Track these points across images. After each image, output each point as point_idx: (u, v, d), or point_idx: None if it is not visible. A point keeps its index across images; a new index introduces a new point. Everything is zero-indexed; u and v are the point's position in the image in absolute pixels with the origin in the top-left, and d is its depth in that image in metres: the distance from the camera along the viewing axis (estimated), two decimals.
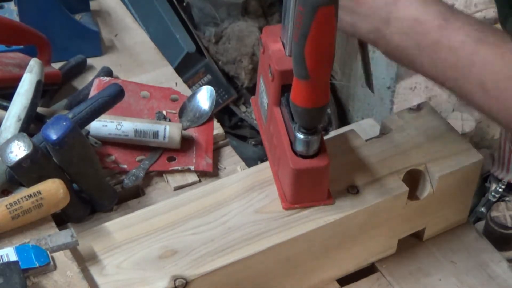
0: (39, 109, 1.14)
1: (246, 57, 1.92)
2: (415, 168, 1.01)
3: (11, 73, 1.19)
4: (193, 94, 1.22)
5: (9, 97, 1.12)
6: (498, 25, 0.90)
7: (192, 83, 1.86)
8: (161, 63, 1.37)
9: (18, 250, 0.85)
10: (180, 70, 1.73)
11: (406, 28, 0.85)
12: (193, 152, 1.16)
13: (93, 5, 1.43)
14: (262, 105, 1.04)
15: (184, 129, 1.18)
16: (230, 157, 1.19)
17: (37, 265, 0.84)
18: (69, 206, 0.93)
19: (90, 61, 1.35)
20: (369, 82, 1.05)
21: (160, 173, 1.15)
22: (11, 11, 1.36)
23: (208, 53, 1.93)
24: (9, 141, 0.95)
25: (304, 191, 0.94)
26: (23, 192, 0.90)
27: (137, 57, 1.38)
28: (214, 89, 1.23)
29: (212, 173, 1.15)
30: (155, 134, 1.13)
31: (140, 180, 1.11)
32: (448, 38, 0.81)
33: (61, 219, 1.02)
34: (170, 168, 1.14)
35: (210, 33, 1.95)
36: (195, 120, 1.20)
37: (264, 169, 1.00)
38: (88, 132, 1.11)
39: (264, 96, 1.01)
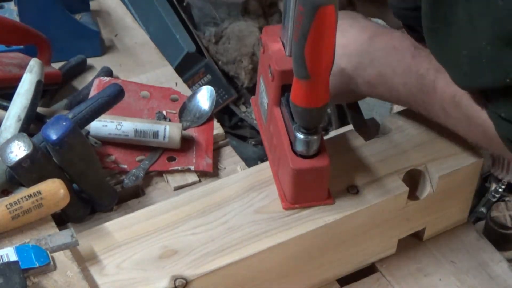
0: (39, 109, 1.14)
1: (246, 57, 1.92)
2: (415, 168, 1.01)
3: (11, 73, 1.19)
4: (193, 94, 1.22)
5: (9, 97, 1.12)
6: None
7: (192, 83, 1.86)
8: (161, 63, 1.37)
9: (18, 250, 0.85)
10: (180, 70, 1.73)
11: (385, 53, 0.94)
12: (193, 152, 1.16)
13: (93, 5, 1.44)
14: (262, 105, 1.04)
15: (184, 129, 1.18)
16: (230, 157, 1.19)
17: (37, 265, 0.84)
18: (69, 206, 0.93)
19: (90, 61, 1.35)
20: (365, 131, 1.05)
21: (160, 173, 1.15)
22: (11, 11, 1.36)
23: (208, 53, 1.93)
24: (9, 141, 0.95)
25: (304, 191, 0.94)
26: (23, 192, 0.89)
27: (137, 57, 1.38)
28: (214, 89, 1.23)
29: (212, 173, 1.15)
30: (155, 134, 1.13)
31: (140, 180, 1.11)
32: (417, 65, 0.91)
33: (61, 219, 1.02)
34: (170, 168, 1.14)
35: (210, 33, 1.95)
36: (195, 120, 1.20)
37: (264, 169, 1.00)
38: (88, 132, 1.11)
39: (264, 96, 1.01)
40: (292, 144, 0.92)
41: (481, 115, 0.83)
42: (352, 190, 0.97)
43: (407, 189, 0.98)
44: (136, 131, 1.13)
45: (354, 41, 0.97)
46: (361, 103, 1.10)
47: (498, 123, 0.80)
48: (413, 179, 1.02)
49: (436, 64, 0.87)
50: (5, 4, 1.38)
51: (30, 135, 0.99)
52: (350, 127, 1.09)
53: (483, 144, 0.91)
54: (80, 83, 1.31)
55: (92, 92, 1.21)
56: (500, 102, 0.79)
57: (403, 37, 0.95)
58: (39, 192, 0.89)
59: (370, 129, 1.05)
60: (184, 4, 2.00)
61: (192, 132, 1.19)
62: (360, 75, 0.96)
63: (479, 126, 0.85)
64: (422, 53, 0.91)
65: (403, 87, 0.93)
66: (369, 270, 1.05)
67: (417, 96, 0.93)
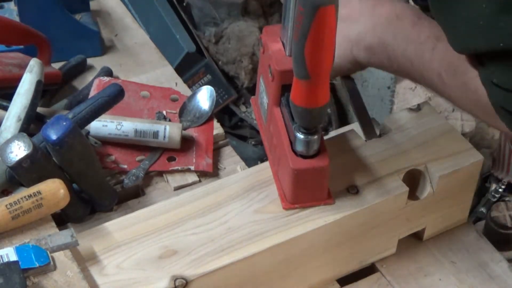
0: (39, 109, 1.14)
1: (246, 57, 1.92)
2: (415, 168, 1.01)
3: (11, 73, 1.19)
4: (193, 94, 1.22)
5: (9, 97, 1.12)
6: None
7: (192, 83, 1.86)
8: (161, 63, 1.37)
9: (18, 250, 0.85)
10: (180, 70, 1.72)
11: (387, 21, 0.96)
12: (193, 152, 1.16)
13: (93, 5, 1.43)
14: (262, 105, 1.04)
15: (184, 129, 1.18)
16: (230, 157, 1.19)
17: (37, 265, 0.84)
18: (69, 206, 0.93)
19: (90, 61, 1.35)
20: (369, 130, 1.05)
21: (160, 173, 1.15)
22: (11, 11, 1.36)
23: (208, 53, 1.93)
24: (9, 141, 0.95)
25: (304, 191, 0.94)
26: (23, 192, 0.90)
27: (137, 57, 1.38)
28: (214, 89, 1.23)
29: (212, 173, 1.15)
30: (155, 134, 1.13)
31: (140, 180, 1.11)
32: (418, 32, 0.92)
33: (61, 219, 1.02)
34: (170, 168, 1.14)
35: (210, 33, 1.95)
36: (195, 120, 1.20)
37: (264, 169, 1.00)
38: (88, 132, 1.11)
39: (264, 96, 1.01)
40: (292, 144, 0.93)
41: (475, 81, 0.83)
42: (352, 190, 0.97)
43: (407, 189, 0.98)
44: (136, 131, 1.13)
45: (356, 9, 0.99)
46: None
47: (490, 89, 0.80)
48: (413, 179, 1.02)
49: (436, 32, 0.88)
50: (5, 4, 1.38)
51: (30, 135, 0.99)
52: (350, 127, 1.09)
53: (476, 113, 0.91)
54: (80, 83, 1.31)
55: (92, 92, 1.21)
56: (493, 67, 0.79)
57: (405, 6, 0.96)
58: (39, 192, 0.89)
59: (373, 127, 1.05)
60: (184, 4, 2.00)
61: (192, 132, 1.19)
62: (362, 40, 0.97)
63: (473, 94, 0.85)
64: (423, 22, 0.92)
65: (402, 54, 0.94)
66: (369, 270, 1.05)
67: (415, 63, 0.93)
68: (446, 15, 0.81)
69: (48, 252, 0.85)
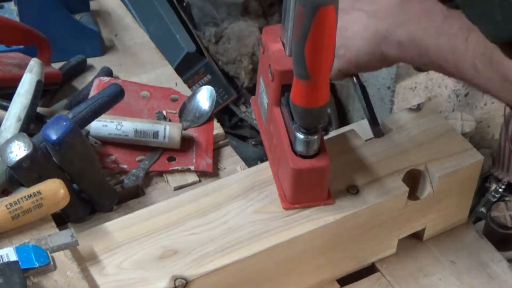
0: (39, 109, 1.14)
1: (246, 57, 1.92)
2: (415, 168, 1.01)
3: (11, 73, 1.19)
4: (193, 94, 1.22)
5: (9, 97, 1.12)
6: None
7: (192, 83, 1.86)
8: (161, 63, 1.37)
9: (18, 250, 0.85)
10: (180, 70, 1.73)
11: (417, 16, 0.95)
12: (193, 152, 1.16)
13: (93, 5, 1.44)
14: (262, 105, 1.04)
15: (184, 129, 1.18)
16: (230, 157, 1.19)
17: (37, 265, 0.84)
18: (69, 206, 0.93)
19: (90, 61, 1.35)
20: (375, 125, 1.05)
21: (160, 173, 1.15)
22: (11, 11, 1.36)
23: (208, 53, 1.93)
24: (9, 141, 0.95)
25: (304, 191, 0.94)
26: (23, 192, 0.90)
27: (137, 57, 1.38)
28: (214, 89, 1.23)
29: (212, 173, 1.15)
30: (155, 134, 1.13)
31: (140, 180, 1.11)
32: (449, 25, 0.91)
33: (61, 219, 1.02)
34: (170, 168, 1.14)
35: (210, 33, 1.95)
36: (195, 120, 1.20)
37: (264, 169, 1.00)
38: (88, 132, 1.11)
39: (264, 96, 1.01)
40: (292, 144, 0.93)
41: None
42: (352, 190, 0.97)
43: (407, 189, 0.98)
44: (136, 131, 1.13)
45: (384, 5, 0.98)
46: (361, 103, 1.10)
47: None
48: (413, 179, 1.02)
49: (468, 23, 0.88)
50: (5, 4, 1.38)
51: (30, 135, 0.99)
52: (350, 127, 1.09)
53: None
54: (80, 83, 1.31)
55: (92, 92, 1.21)
56: None
57: (435, 1, 0.95)
58: (39, 192, 0.89)
59: (379, 126, 1.05)
60: (184, 4, 2.00)
61: (192, 132, 1.19)
62: (391, 36, 0.96)
63: (511, 83, 0.85)
64: (454, 14, 0.92)
65: (434, 48, 0.93)
66: (369, 270, 1.05)
67: (448, 56, 0.92)
68: (477, 7, 0.80)
69: (48, 252, 0.85)
